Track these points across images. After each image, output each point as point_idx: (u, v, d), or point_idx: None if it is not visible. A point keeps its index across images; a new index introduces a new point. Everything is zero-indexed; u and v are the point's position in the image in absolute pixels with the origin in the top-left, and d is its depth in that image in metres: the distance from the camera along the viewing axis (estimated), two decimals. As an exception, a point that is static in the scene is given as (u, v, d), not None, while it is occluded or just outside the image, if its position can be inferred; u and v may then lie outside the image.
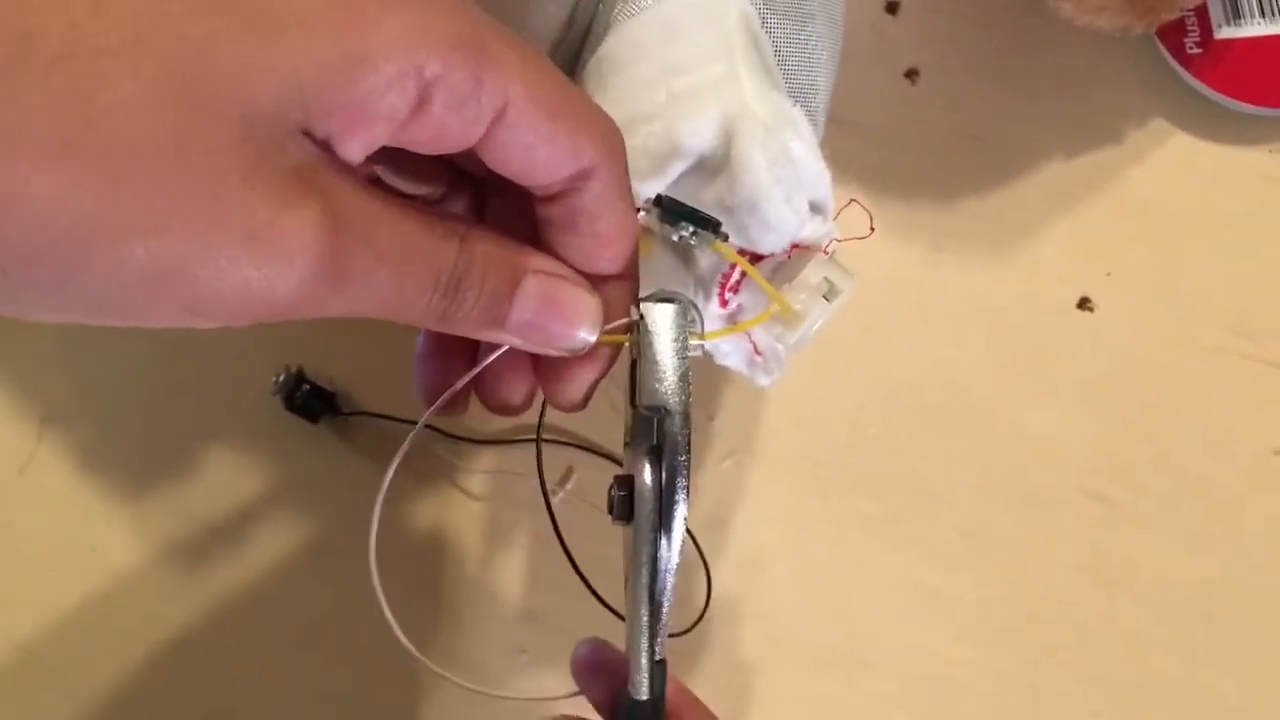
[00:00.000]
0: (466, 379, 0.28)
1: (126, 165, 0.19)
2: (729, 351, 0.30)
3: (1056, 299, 0.39)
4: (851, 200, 0.33)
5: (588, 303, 0.25)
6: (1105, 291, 0.39)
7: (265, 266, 0.21)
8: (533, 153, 0.25)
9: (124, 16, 0.19)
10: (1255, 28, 0.39)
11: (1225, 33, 0.39)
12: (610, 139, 0.26)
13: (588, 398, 0.27)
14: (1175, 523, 0.37)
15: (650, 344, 0.26)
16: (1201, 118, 0.39)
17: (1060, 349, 0.38)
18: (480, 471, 0.40)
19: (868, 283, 0.36)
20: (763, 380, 0.30)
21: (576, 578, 0.34)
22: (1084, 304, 0.39)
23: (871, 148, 0.39)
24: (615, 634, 0.27)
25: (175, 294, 0.21)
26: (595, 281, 0.26)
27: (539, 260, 0.25)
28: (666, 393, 0.26)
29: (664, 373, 0.26)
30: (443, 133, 0.23)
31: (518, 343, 0.26)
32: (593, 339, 0.25)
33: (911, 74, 0.39)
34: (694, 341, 0.27)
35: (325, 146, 0.22)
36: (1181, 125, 0.39)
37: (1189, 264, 0.39)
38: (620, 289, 0.26)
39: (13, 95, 0.18)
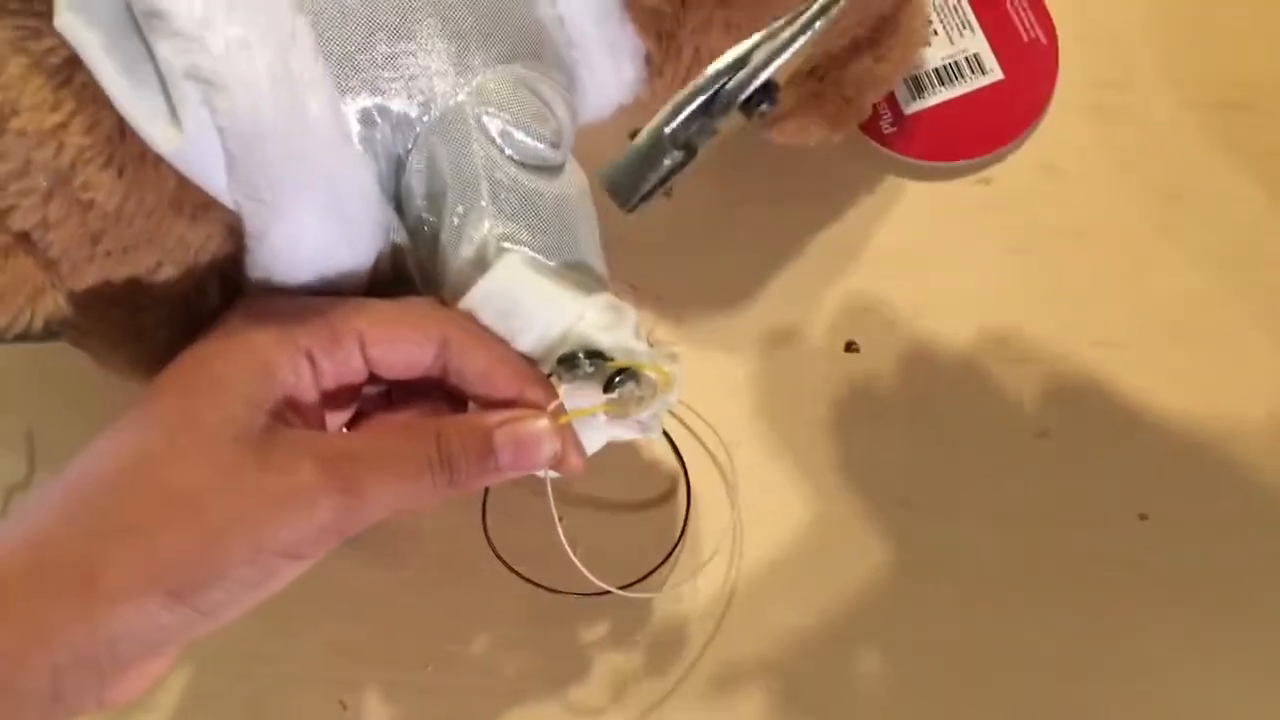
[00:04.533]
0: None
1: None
2: (621, 433, 0.37)
3: (828, 347, 0.46)
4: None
5: (540, 425, 0.33)
6: (866, 330, 0.46)
7: (300, 520, 0.30)
8: (400, 354, 0.33)
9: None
10: (938, 96, 0.47)
11: (914, 107, 0.47)
12: (437, 312, 0.34)
13: (582, 457, 0.35)
14: (969, 512, 0.44)
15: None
16: (919, 171, 0.47)
17: (838, 389, 0.45)
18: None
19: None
20: (654, 435, 0.37)
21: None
22: (850, 347, 0.46)
23: (652, 258, 0.46)
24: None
25: (274, 568, 0.30)
26: (518, 394, 0.34)
27: (493, 416, 0.33)
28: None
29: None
30: (343, 369, 0.33)
31: (515, 476, 0.34)
32: (558, 445, 0.33)
33: (668, 191, 0.47)
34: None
35: (287, 416, 0.31)
36: (908, 179, 0.47)
37: (930, 290, 0.46)
38: (535, 385, 0.34)
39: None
